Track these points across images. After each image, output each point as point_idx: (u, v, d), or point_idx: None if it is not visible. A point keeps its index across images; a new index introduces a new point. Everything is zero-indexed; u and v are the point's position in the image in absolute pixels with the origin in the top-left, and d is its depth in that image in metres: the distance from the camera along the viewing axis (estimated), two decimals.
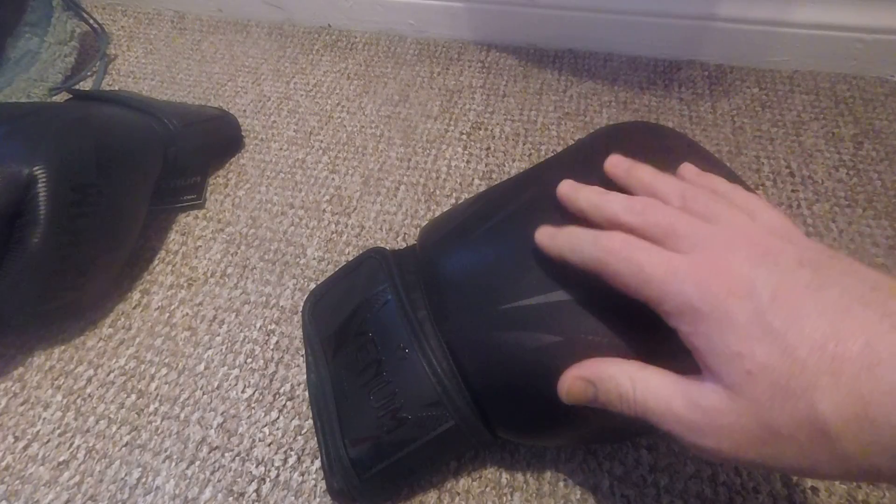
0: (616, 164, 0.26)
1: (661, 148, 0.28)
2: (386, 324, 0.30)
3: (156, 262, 0.42)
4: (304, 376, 0.35)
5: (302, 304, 0.36)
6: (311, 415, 0.34)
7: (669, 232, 0.20)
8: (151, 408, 0.35)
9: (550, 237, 0.24)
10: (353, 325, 0.31)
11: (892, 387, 0.14)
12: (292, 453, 0.32)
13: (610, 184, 0.26)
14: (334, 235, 0.43)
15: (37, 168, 0.32)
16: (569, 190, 0.25)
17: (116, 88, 0.57)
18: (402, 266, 0.32)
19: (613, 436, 0.31)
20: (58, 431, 0.34)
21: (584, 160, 0.28)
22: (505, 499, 0.30)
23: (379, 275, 0.32)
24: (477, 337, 0.26)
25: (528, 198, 0.28)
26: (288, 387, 0.35)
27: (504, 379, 0.25)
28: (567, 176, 0.27)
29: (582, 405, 0.22)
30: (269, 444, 0.33)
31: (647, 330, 0.22)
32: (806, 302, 0.17)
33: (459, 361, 0.27)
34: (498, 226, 0.28)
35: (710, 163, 0.28)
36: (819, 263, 0.18)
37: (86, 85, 0.57)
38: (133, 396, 0.35)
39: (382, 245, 0.42)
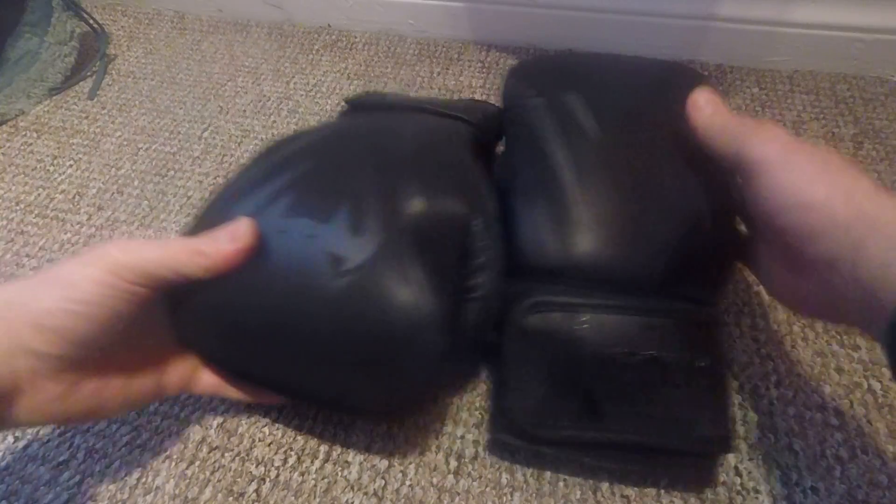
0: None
1: None
2: None
3: None
4: None
5: None
6: (310, 415, 0.34)
7: None
8: (151, 408, 0.35)
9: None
10: None
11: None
12: (292, 453, 0.32)
13: None
14: None
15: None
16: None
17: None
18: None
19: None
20: (58, 431, 0.34)
21: None
22: (505, 499, 0.30)
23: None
24: None
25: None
26: None
27: None
28: None
29: None
30: (269, 444, 0.33)
31: None
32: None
33: None
34: None
35: None
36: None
37: (86, 85, 0.57)
38: None
39: None
